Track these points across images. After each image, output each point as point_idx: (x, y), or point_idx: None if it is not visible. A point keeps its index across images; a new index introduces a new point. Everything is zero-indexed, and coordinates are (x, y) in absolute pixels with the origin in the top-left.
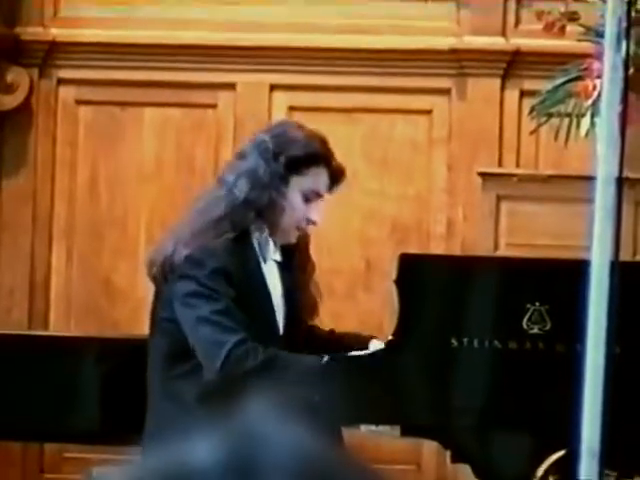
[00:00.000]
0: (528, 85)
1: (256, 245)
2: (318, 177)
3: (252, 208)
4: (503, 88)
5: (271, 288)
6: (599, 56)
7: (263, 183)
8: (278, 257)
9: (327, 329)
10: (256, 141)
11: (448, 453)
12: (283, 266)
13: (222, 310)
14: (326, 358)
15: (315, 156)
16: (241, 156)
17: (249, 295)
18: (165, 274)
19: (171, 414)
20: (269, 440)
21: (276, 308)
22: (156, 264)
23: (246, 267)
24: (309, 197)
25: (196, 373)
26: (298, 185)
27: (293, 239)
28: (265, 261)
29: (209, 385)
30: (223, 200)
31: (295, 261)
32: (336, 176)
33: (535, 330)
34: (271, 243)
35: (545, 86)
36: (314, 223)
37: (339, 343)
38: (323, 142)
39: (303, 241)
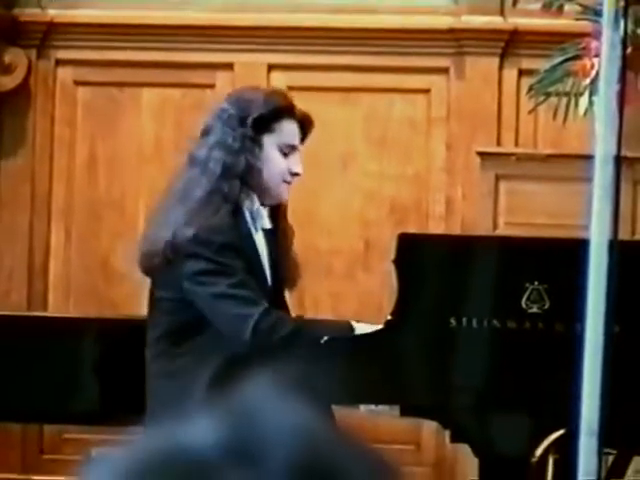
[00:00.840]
0: (526, 64)
1: (247, 216)
2: (288, 130)
3: (234, 176)
4: (501, 67)
5: (262, 258)
6: (597, 35)
7: (235, 149)
8: (267, 224)
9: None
10: (217, 112)
11: (447, 433)
12: (269, 233)
13: (238, 283)
14: (355, 330)
15: (279, 110)
16: (206, 131)
17: (247, 266)
18: (168, 258)
19: (172, 392)
20: (269, 419)
21: (267, 276)
22: (156, 253)
23: (243, 239)
24: (285, 151)
25: (198, 354)
26: (271, 142)
27: (284, 195)
28: (257, 230)
29: (220, 366)
30: (202, 177)
31: (278, 227)
32: (305, 124)
33: (534, 309)
34: (263, 212)
35: (543, 65)
36: (297, 174)
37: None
38: (283, 95)
39: (282, 207)
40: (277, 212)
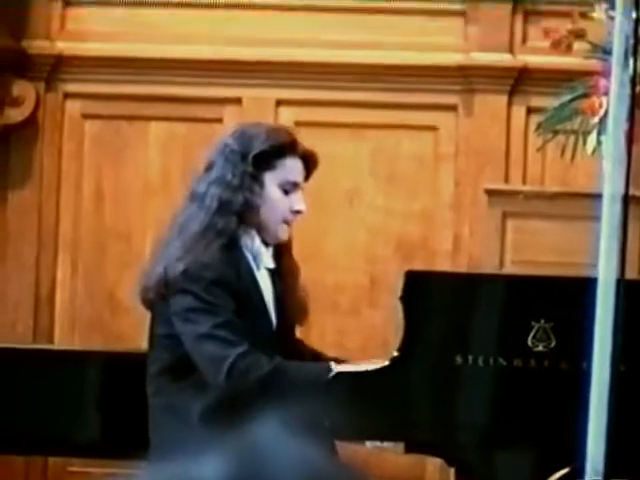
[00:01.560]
0: (535, 102)
1: (247, 253)
2: (291, 167)
3: (230, 212)
4: (510, 104)
5: (265, 295)
6: (606, 73)
7: (234, 186)
8: (271, 264)
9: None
10: (220, 147)
11: (452, 470)
12: (274, 273)
13: (222, 323)
14: (334, 371)
15: (281, 147)
16: (209, 167)
17: (246, 303)
18: (161, 293)
19: (174, 429)
20: (275, 456)
21: (271, 316)
22: (150, 289)
23: (240, 275)
24: (287, 188)
25: (197, 388)
26: (273, 179)
27: (284, 234)
28: (258, 269)
29: (211, 402)
30: (199, 212)
31: (282, 266)
32: (309, 161)
33: (540, 348)
34: (264, 250)
35: (552, 103)
36: (299, 212)
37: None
38: (286, 132)
39: (286, 244)
40: (281, 251)
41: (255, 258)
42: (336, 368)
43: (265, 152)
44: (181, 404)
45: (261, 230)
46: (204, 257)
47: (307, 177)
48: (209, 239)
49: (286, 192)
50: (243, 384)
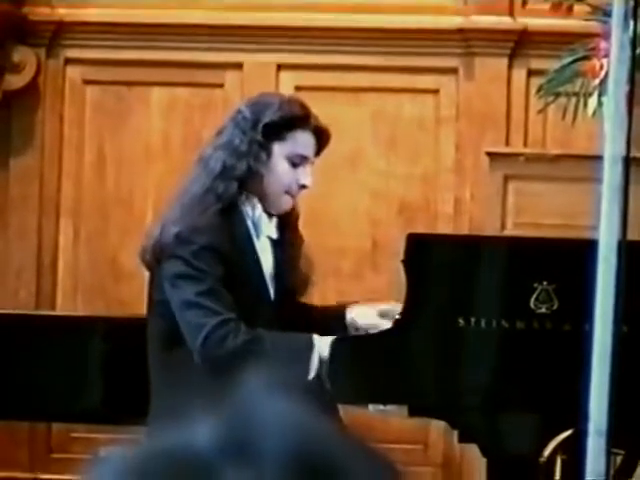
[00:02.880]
0: (535, 64)
1: (248, 220)
2: (301, 140)
3: (232, 178)
4: (510, 67)
5: (263, 263)
6: (606, 35)
7: (240, 152)
8: (274, 234)
9: (312, 305)
10: (233, 114)
11: (455, 433)
12: (277, 243)
13: (205, 291)
14: (315, 347)
15: (293, 119)
16: (219, 131)
17: (239, 270)
18: (157, 256)
19: (173, 395)
20: (265, 418)
21: (268, 284)
22: (148, 250)
23: (236, 242)
24: (295, 161)
25: (191, 356)
26: (281, 150)
27: (286, 206)
28: (258, 237)
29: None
30: (201, 175)
31: (285, 236)
32: (320, 137)
33: (542, 310)
34: (265, 218)
35: (552, 65)
36: (304, 187)
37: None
38: (301, 105)
39: (293, 216)
40: (286, 222)
41: (256, 226)
42: (320, 342)
43: (275, 122)
44: (179, 371)
45: (263, 199)
46: (198, 221)
47: (318, 152)
48: (207, 203)
49: (294, 165)
50: (217, 352)
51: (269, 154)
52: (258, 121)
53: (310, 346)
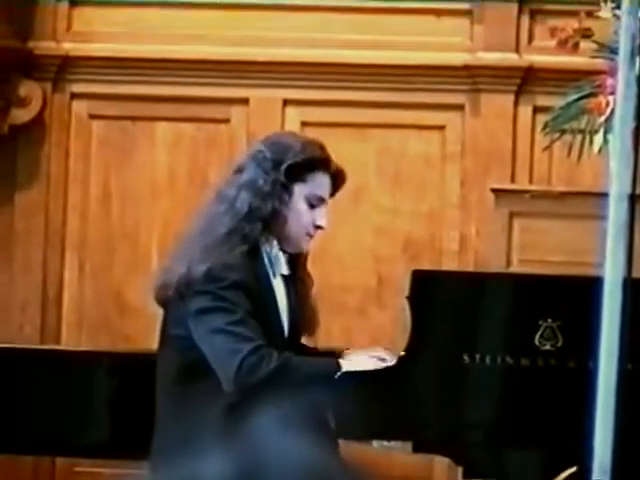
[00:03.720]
0: (541, 101)
1: (266, 259)
2: (320, 182)
3: (257, 219)
4: (516, 104)
5: (279, 302)
6: (613, 72)
7: (264, 193)
8: (286, 271)
9: (311, 346)
10: (252, 152)
11: (460, 469)
12: (288, 280)
13: (237, 321)
14: (343, 369)
15: (314, 161)
16: (239, 169)
17: (262, 310)
18: (181, 292)
19: (182, 430)
20: (276, 455)
21: (283, 323)
22: (170, 286)
23: (259, 281)
24: (313, 203)
25: (210, 394)
26: (301, 192)
27: (305, 246)
28: (275, 276)
29: (228, 402)
30: (226, 215)
31: (297, 275)
32: (337, 179)
33: (547, 347)
34: (282, 257)
35: (558, 102)
36: (321, 228)
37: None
38: (321, 147)
39: (303, 255)
40: (297, 260)
41: (272, 265)
42: (344, 366)
43: (299, 164)
44: (190, 407)
45: (283, 239)
46: (228, 259)
47: (333, 194)
48: (233, 243)
49: (312, 206)
50: (252, 378)
51: (290, 195)
52: (281, 162)
53: (337, 367)
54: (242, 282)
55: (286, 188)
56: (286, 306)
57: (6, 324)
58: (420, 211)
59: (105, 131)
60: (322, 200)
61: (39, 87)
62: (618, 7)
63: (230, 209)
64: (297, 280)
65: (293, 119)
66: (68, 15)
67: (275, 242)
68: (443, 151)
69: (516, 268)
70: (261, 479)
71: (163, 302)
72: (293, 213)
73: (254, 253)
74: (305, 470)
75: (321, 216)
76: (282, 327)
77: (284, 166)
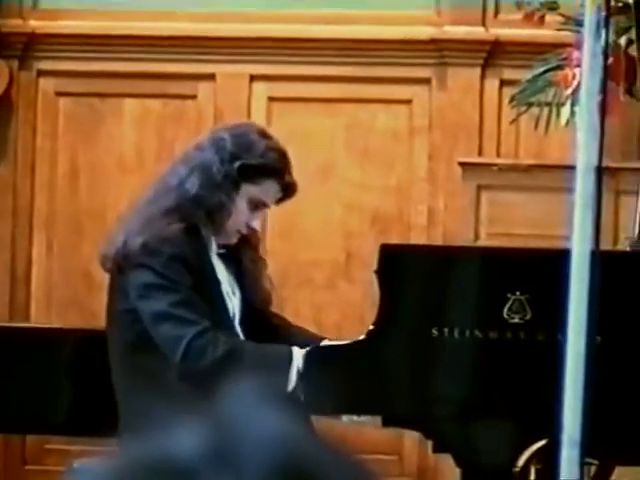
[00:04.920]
0: (508, 74)
1: (205, 238)
2: (269, 189)
3: (201, 207)
4: (483, 77)
5: (222, 281)
6: (579, 45)
7: (215, 182)
8: (220, 249)
9: (284, 319)
10: (215, 137)
11: (430, 443)
12: (224, 257)
13: (180, 301)
14: (294, 360)
15: (270, 169)
16: (198, 148)
17: (204, 285)
18: (119, 265)
19: (145, 403)
20: (248, 426)
21: (226, 297)
22: (108, 258)
23: (198, 257)
24: (255, 206)
25: (158, 363)
26: (247, 192)
27: (233, 241)
28: (213, 255)
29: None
30: (173, 191)
31: (245, 255)
32: (287, 191)
33: (516, 320)
34: (213, 239)
35: (525, 75)
36: (253, 230)
37: (296, 336)
38: (282, 155)
39: (254, 239)
40: (248, 241)
41: (208, 244)
42: (298, 354)
43: (254, 166)
44: (145, 379)
45: (216, 230)
46: (165, 232)
47: (277, 203)
48: (172, 219)
49: (253, 208)
50: (199, 364)
51: (237, 192)
52: (238, 158)
53: (289, 358)
54: (179, 255)
55: (236, 184)
56: (228, 281)
57: None
58: (388, 185)
59: (72, 108)
60: (265, 206)
61: (5, 65)
62: None
63: (179, 187)
64: (247, 260)
65: (260, 94)
66: None
67: (210, 227)
68: (410, 125)
69: (484, 241)
70: (235, 452)
71: (107, 271)
72: (233, 209)
73: (192, 231)
74: (283, 445)
75: (257, 219)
76: (226, 304)
77: (239, 163)
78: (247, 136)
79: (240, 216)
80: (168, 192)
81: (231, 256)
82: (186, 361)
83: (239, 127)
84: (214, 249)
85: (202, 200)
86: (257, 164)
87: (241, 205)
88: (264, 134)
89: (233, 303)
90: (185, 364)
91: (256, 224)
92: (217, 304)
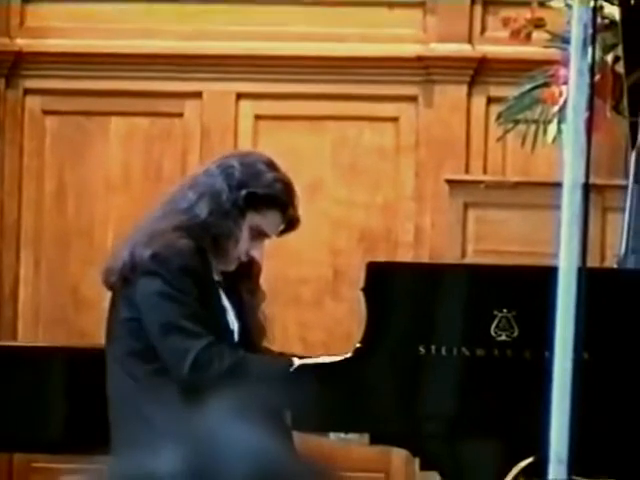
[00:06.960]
0: (495, 92)
1: (210, 261)
2: (272, 220)
3: (209, 232)
4: (470, 95)
5: (224, 302)
6: (565, 62)
7: (224, 210)
8: (217, 277)
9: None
10: (224, 164)
11: (417, 461)
12: (231, 290)
13: (188, 314)
14: (295, 364)
15: (276, 200)
16: (206, 173)
17: (208, 300)
18: (125, 277)
19: (141, 416)
20: (226, 444)
21: (231, 322)
22: (113, 271)
23: (205, 274)
24: (257, 235)
25: (161, 374)
26: (251, 221)
27: (232, 268)
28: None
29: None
30: (183, 214)
31: (244, 285)
32: (290, 224)
33: (503, 337)
34: (214, 264)
35: (512, 93)
36: (254, 261)
37: None
38: (289, 188)
39: (255, 268)
40: (246, 271)
41: (213, 271)
42: (298, 362)
43: (260, 196)
44: (155, 386)
45: (220, 255)
46: (176, 244)
47: (278, 235)
48: (181, 235)
49: (254, 237)
50: (204, 377)
51: (243, 219)
52: (246, 186)
53: (290, 366)
54: (190, 268)
55: (242, 212)
56: (230, 308)
57: None
58: (375, 203)
59: (59, 126)
60: (265, 236)
61: None
62: None
63: (188, 210)
64: (245, 291)
65: (247, 112)
66: (21, 11)
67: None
68: (397, 143)
69: (471, 259)
70: (214, 468)
71: (109, 286)
72: (240, 237)
73: (200, 250)
74: (257, 461)
75: (257, 249)
76: (228, 323)
77: (245, 192)
78: (255, 165)
79: (242, 243)
80: (177, 214)
81: (229, 286)
82: (193, 374)
83: (248, 156)
84: (215, 274)
85: (211, 226)
86: (263, 194)
87: (244, 233)
88: (272, 165)
89: (234, 327)
90: (192, 377)
91: (256, 254)
92: (220, 321)
